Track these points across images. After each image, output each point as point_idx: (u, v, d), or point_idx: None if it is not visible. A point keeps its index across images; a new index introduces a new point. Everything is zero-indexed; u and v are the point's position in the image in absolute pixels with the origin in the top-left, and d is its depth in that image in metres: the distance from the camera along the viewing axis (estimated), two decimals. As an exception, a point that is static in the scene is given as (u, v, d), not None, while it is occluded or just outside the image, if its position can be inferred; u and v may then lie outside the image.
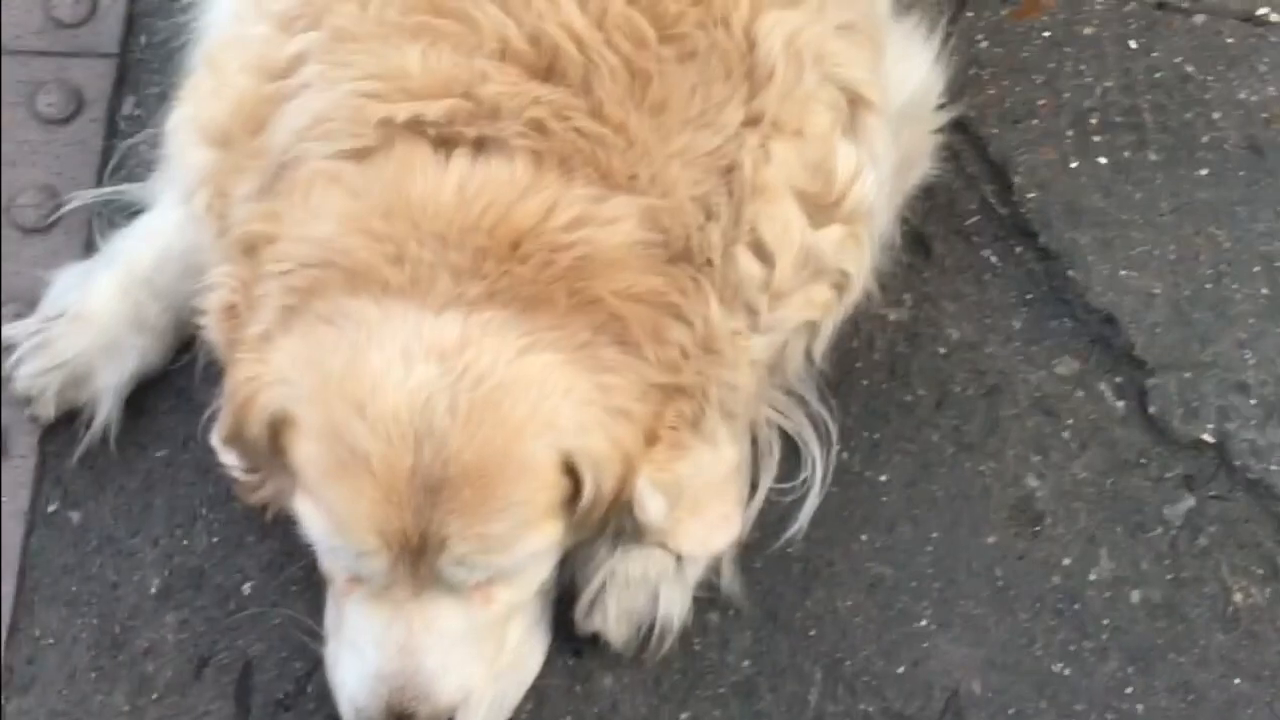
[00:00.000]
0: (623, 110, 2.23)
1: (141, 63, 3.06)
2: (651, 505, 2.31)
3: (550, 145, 2.19)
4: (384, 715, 2.30)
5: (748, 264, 2.36)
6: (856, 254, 2.50)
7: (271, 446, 2.25)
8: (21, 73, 3.01)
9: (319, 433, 2.17)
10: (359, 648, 2.31)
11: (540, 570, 2.36)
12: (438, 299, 2.14)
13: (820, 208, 2.42)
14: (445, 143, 2.20)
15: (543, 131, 2.19)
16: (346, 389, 2.13)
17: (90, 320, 2.70)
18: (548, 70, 2.23)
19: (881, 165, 2.50)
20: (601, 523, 2.33)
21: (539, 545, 2.26)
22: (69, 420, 2.72)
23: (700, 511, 2.49)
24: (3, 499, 2.68)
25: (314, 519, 2.23)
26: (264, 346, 2.22)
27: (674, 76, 2.26)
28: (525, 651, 2.47)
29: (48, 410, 2.71)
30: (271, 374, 2.20)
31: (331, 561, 2.32)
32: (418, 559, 2.20)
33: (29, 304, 2.79)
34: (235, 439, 2.31)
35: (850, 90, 2.45)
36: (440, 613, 2.27)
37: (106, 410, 2.70)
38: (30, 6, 3.07)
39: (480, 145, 2.20)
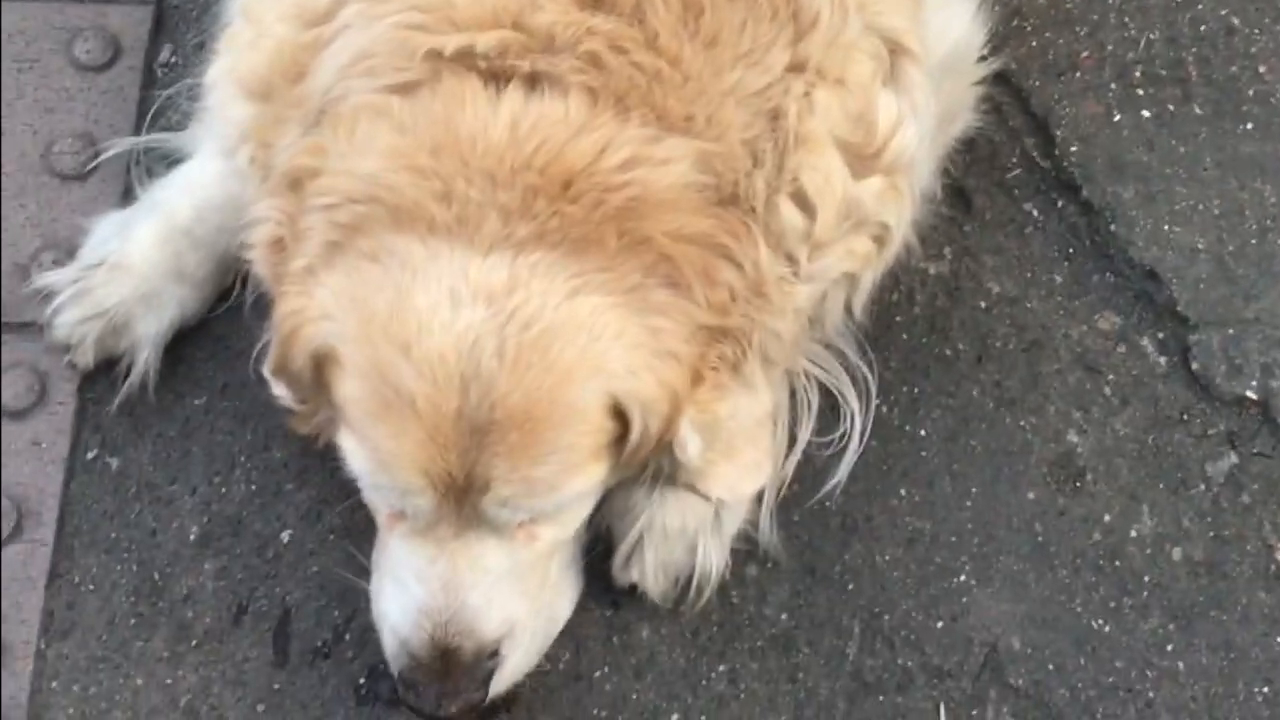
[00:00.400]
0: (677, 42, 2.20)
1: (179, 10, 3.05)
2: (691, 444, 2.30)
3: (606, 82, 2.17)
4: (428, 648, 2.30)
5: (790, 214, 2.34)
6: (897, 206, 2.47)
7: (315, 380, 2.25)
8: (59, 19, 3.01)
9: (363, 372, 2.16)
10: (403, 582, 2.32)
11: (583, 509, 2.37)
12: (485, 239, 2.12)
13: (861, 158, 2.40)
14: (496, 77, 2.17)
15: (599, 65, 2.17)
16: (391, 329, 2.12)
17: (130, 269, 2.70)
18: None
19: (923, 117, 2.47)
20: (644, 462, 2.33)
21: (584, 487, 2.25)
22: (108, 368, 2.72)
23: (733, 456, 2.49)
24: (43, 445, 2.69)
25: (358, 456, 2.23)
26: (308, 280, 2.20)
27: (724, 10, 2.23)
28: (562, 588, 2.47)
29: (86, 358, 2.71)
30: (315, 309, 2.19)
31: (375, 497, 2.33)
32: (462, 499, 2.20)
33: (67, 251, 2.79)
34: (282, 371, 2.31)
35: (891, 39, 2.42)
36: (484, 551, 2.27)
37: (145, 359, 2.70)
38: (68, -48, 3.08)
39: (534, 80, 2.17)
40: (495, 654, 2.34)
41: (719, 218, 2.22)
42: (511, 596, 2.33)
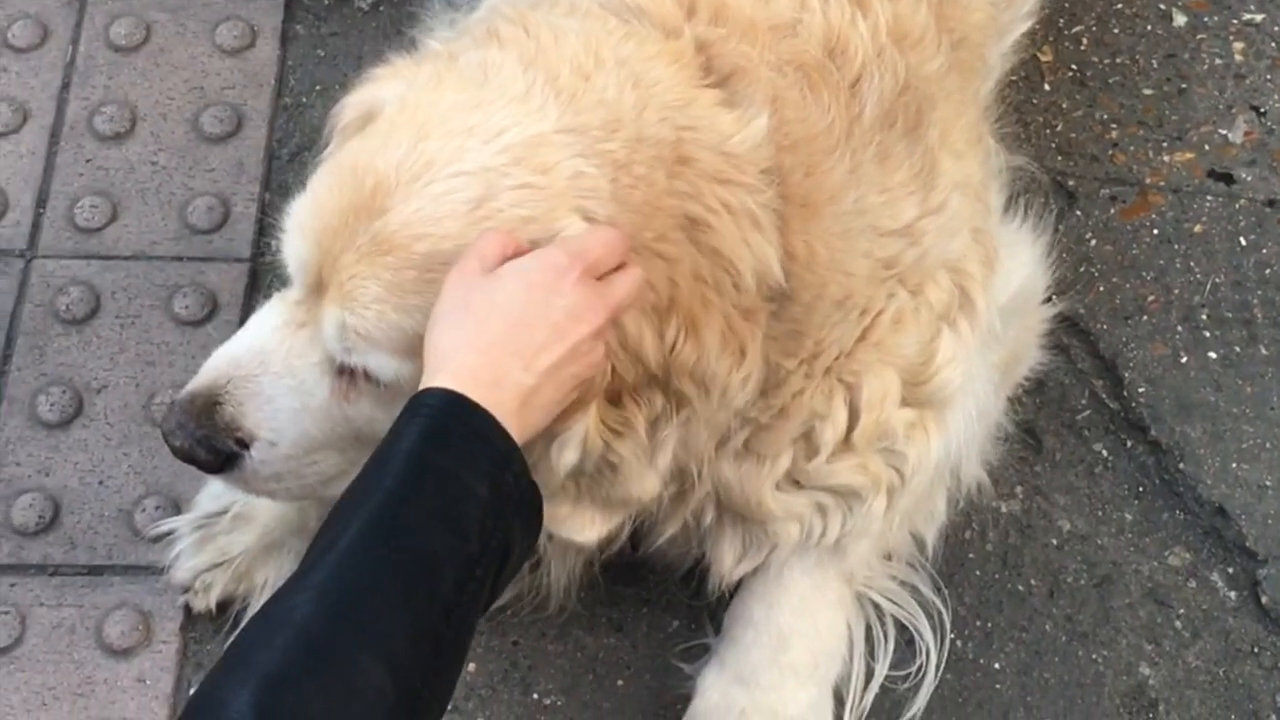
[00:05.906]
0: (867, 144, 2.40)
1: (273, 266, 3.28)
2: (569, 453, 2.24)
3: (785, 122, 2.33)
4: (203, 387, 2.34)
5: (839, 413, 2.50)
6: (922, 444, 2.62)
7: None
8: (159, 277, 3.28)
9: (376, 133, 2.24)
10: (246, 328, 2.39)
11: None
12: (575, 109, 2.21)
13: (911, 384, 2.58)
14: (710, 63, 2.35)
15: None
16: (430, 120, 2.20)
17: (254, 520, 2.88)
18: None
19: (973, 364, 2.66)
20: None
21: (404, 376, 2.21)
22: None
23: (581, 502, 2.38)
24: (147, 683, 2.88)
25: (303, 194, 2.30)
26: (430, 58, 2.35)
27: (897, 144, 2.45)
28: (344, 474, 2.37)
29: (208, 602, 2.88)
30: (409, 74, 2.32)
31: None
32: (322, 294, 2.24)
33: (168, 497, 3.03)
34: (339, 123, 2.42)
35: (963, 288, 2.61)
36: (306, 363, 2.31)
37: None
38: (167, 214, 3.36)
39: (728, 81, 2.34)
40: (245, 445, 2.34)
41: (730, 316, 2.28)
42: (293, 419, 2.32)
